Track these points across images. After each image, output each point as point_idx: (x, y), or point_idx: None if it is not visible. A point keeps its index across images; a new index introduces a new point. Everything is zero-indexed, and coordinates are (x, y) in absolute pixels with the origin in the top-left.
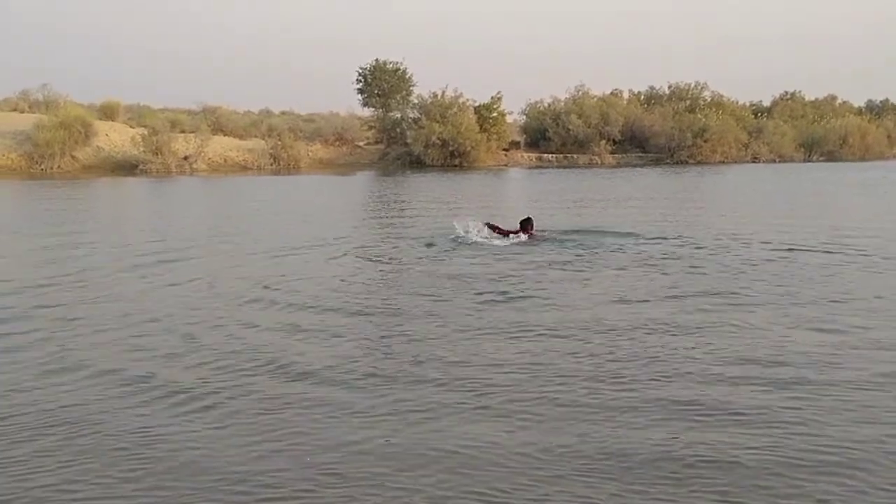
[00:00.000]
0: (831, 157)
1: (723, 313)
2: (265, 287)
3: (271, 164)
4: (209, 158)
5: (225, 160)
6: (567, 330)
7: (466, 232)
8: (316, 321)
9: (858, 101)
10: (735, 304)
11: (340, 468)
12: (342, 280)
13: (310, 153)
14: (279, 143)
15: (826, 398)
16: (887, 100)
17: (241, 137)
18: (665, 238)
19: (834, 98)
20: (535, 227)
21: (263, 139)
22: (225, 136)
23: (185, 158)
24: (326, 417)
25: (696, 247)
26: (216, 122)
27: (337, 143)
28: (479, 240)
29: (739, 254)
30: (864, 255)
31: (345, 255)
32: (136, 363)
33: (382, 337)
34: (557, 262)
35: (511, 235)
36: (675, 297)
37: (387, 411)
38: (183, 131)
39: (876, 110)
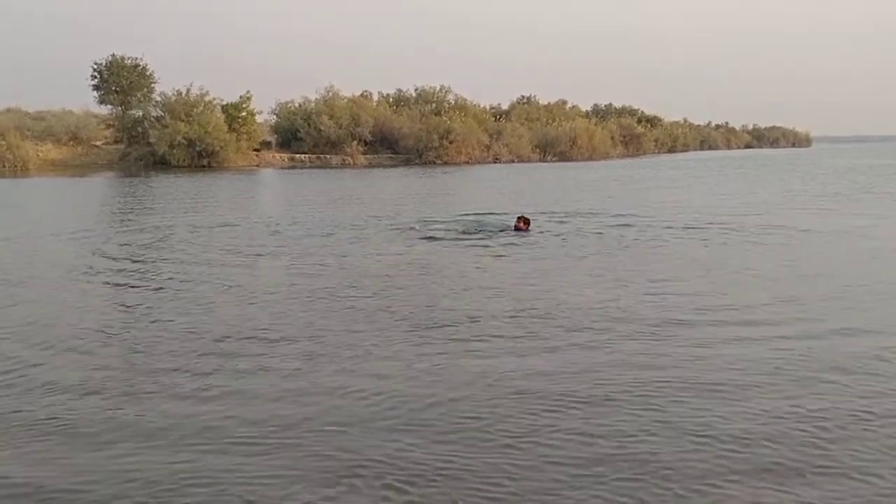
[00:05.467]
0: (563, 157)
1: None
2: None
3: None
4: None
5: None
6: None
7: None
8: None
9: (586, 106)
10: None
11: None
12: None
13: (39, 154)
14: (3, 142)
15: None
16: (611, 104)
17: None
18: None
19: (565, 102)
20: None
21: None
22: None
23: None
24: None
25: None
26: None
27: (71, 142)
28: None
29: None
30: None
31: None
32: None
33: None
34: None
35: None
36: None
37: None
38: None
39: (601, 114)
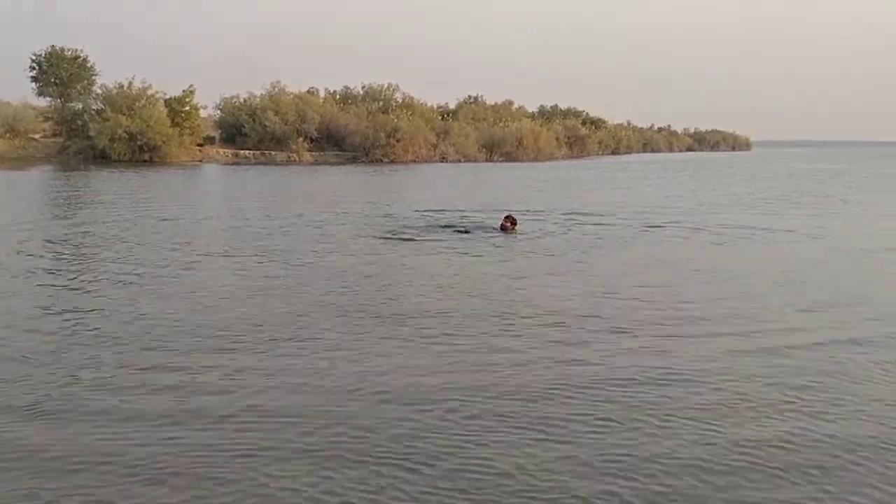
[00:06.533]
0: (509, 157)
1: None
2: None
3: None
4: None
5: None
6: None
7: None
8: None
9: (532, 107)
10: None
11: None
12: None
13: None
14: None
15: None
16: (556, 105)
17: None
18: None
19: (511, 103)
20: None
21: None
22: None
23: None
24: None
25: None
26: None
27: (8, 135)
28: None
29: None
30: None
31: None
32: None
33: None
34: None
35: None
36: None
37: None
38: None
39: (546, 115)
